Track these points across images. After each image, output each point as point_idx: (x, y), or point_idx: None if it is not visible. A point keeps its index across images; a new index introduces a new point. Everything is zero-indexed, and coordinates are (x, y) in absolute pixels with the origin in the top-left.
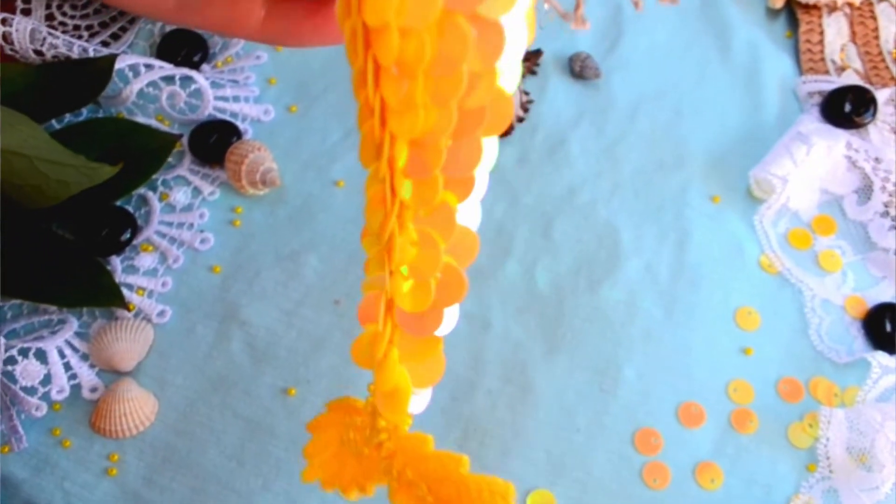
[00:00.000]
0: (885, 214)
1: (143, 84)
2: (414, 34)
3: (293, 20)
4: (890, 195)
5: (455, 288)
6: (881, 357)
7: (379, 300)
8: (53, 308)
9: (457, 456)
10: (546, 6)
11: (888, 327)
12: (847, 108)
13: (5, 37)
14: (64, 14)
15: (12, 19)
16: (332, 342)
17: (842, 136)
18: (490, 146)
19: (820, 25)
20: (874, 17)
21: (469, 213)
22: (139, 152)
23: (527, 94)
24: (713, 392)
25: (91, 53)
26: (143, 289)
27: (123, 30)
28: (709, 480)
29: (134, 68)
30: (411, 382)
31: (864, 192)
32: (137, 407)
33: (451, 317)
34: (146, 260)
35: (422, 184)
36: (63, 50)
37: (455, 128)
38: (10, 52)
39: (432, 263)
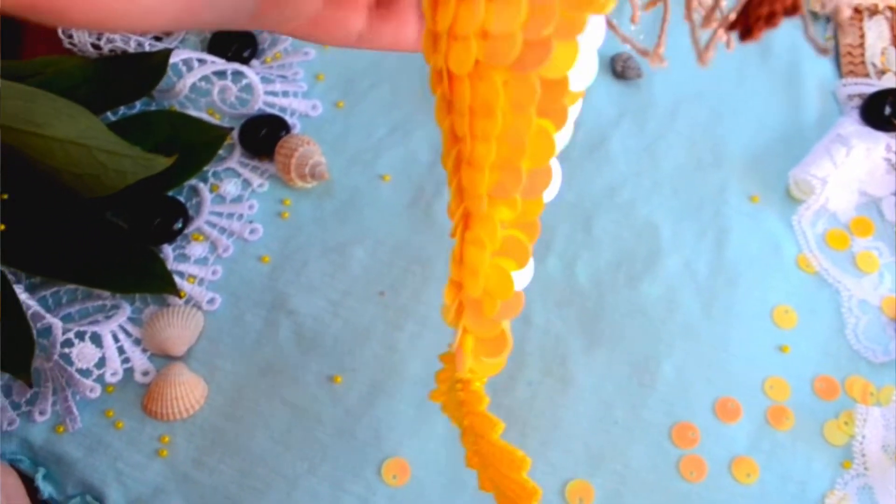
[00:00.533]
0: None
1: (196, 78)
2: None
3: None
4: None
5: (502, 286)
6: None
7: (453, 287)
8: (107, 294)
9: (495, 421)
10: (628, 47)
11: None
12: (887, 110)
13: (65, 30)
14: None
15: None
16: (376, 332)
17: (881, 139)
18: (540, 178)
19: (861, 28)
20: None
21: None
22: (191, 145)
23: None
24: (750, 388)
25: (147, 48)
26: (194, 277)
27: None
28: (745, 475)
29: (188, 63)
30: (476, 350)
31: None
32: (188, 391)
33: (508, 309)
34: (197, 249)
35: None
36: (120, 44)
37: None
38: (68, 46)
39: (480, 262)
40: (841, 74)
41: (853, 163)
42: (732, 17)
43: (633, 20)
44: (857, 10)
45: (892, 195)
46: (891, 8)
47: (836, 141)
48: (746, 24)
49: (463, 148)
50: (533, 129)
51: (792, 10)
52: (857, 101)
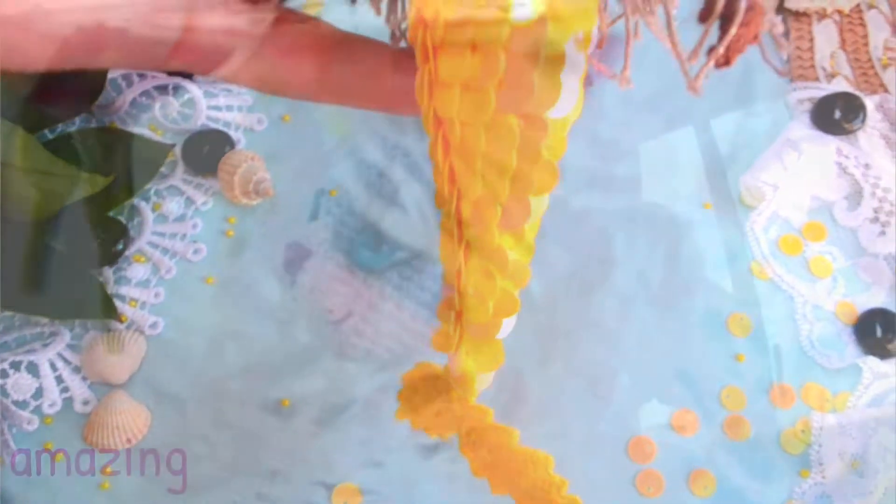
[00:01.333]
0: (875, 220)
1: (137, 93)
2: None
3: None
4: (880, 201)
5: (509, 307)
6: (872, 362)
7: (451, 306)
8: (45, 320)
9: (510, 429)
10: (594, 69)
11: (879, 333)
12: (837, 114)
13: None
14: None
15: None
16: (325, 354)
17: (832, 143)
18: (540, 203)
19: (810, 32)
20: (863, 24)
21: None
22: (132, 162)
23: None
24: (706, 399)
25: None
26: (136, 300)
27: None
28: (702, 488)
29: (127, 78)
30: (476, 369)
31: (854, 197)
32: (130, 419)
33: (509, 325)
34: (139, 271)
35: (481, 234)
36: None
37: (508, 193)
38: None
39: (490, 291)
40: (791, 79)
41: (804, 167)
42: (721, 50)
43: (599, 46)
44: (805, 14)
45: (843, 199)
46: (839, 12)
47: (786, 146)
48: (727, 55)
49: (465, 187)
50: (540, 163)
51: (754, 40)
52: (808, 105)
